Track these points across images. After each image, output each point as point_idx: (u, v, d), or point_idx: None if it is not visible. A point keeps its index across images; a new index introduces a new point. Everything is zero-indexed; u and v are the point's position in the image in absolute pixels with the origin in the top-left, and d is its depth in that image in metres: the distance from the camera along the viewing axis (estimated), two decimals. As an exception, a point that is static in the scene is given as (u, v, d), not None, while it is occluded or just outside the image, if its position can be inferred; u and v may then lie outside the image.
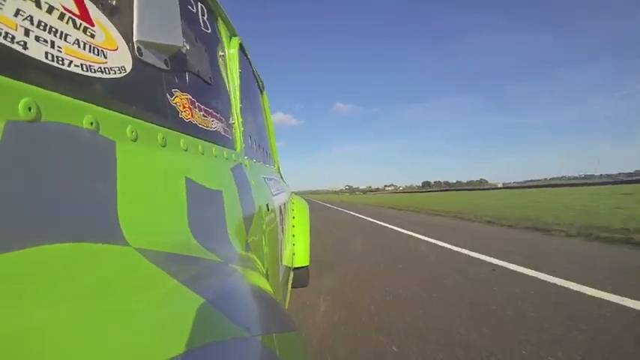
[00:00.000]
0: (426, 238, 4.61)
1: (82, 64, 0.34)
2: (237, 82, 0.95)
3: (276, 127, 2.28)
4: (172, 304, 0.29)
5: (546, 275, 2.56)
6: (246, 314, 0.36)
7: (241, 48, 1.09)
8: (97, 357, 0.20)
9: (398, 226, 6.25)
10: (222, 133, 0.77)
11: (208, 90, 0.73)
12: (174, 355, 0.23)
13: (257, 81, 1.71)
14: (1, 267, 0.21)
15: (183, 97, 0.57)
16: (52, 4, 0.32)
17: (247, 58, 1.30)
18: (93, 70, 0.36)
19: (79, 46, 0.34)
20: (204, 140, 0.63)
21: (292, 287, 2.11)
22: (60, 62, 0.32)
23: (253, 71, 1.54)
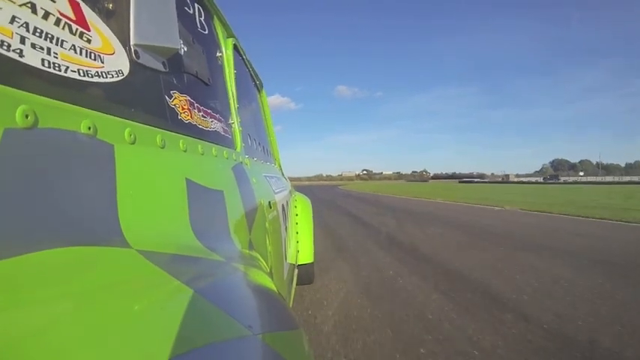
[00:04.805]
0: None
1: (78, 70, 0.34)
2: (234, 82, 0.95)
3: (273, 111, 2.26)
4: (175, 305, 0.29)
5: None
6: (249, 313, 0.36)
7: (238, 48, 1.09)
8: (102, 357, 0.21)
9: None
10: (222, 133, 0.77)
11: (207, 91, 0.73)
12: (178, 355, 0.23)
13: (255, 80, 1.71)
14: (4, 272, 0.21)
15: (182, 98, 0.57)
16: (49, 10, 0.31)
17: (244, 58, 1.30)
18: (90, 75, 0.36)
19: (75, 52, 0.34)
20: (204, 141, 0.63)
21: (297, 284, 2.11)
22: (56, 68, 0.32)
23: (250, 71, 1.53)
